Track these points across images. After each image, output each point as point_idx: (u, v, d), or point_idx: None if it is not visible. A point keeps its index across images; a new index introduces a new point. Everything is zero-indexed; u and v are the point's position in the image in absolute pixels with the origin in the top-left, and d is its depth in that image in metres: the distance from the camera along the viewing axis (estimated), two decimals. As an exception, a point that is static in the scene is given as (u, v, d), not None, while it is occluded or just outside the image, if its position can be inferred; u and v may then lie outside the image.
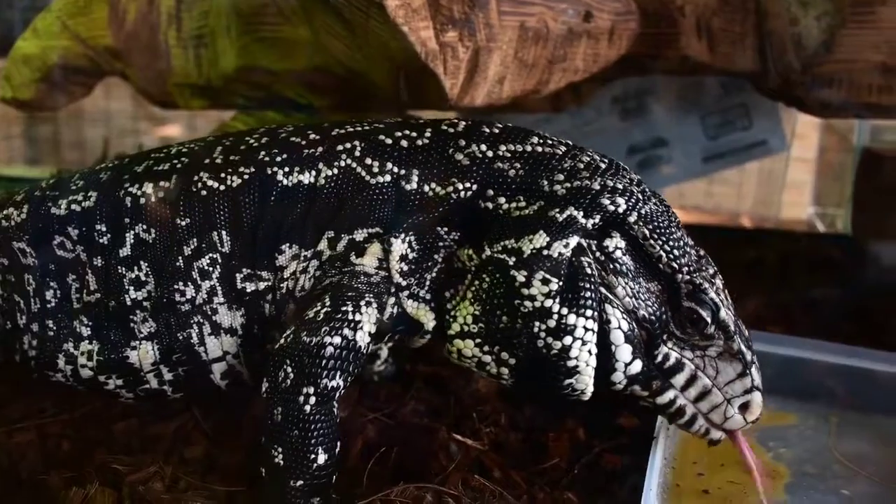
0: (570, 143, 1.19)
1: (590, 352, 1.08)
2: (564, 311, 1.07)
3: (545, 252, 1.07)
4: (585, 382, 1.10)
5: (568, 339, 1.07)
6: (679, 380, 1.12)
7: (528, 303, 1.07)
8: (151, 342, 1.18)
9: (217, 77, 1.75)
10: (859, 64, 1.71)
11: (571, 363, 1.08)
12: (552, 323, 1.07)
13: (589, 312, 1.07)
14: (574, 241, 1.08)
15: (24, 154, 2.93)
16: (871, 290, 1.85)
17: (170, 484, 1.18)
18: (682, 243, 1.12)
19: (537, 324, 1.07)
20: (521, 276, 1.07)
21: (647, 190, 1.15)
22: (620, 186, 1.12)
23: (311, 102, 1.72)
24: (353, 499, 1.14)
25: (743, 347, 1.13)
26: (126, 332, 1.19)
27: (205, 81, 1.77)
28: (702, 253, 1.16)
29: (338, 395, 1.08)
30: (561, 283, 1.07)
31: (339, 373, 1.07)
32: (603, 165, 1.15)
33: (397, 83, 1.52)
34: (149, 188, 1.20)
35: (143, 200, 1.20)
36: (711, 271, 1.15)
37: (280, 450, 1.08)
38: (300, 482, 1.08)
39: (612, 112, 2.12)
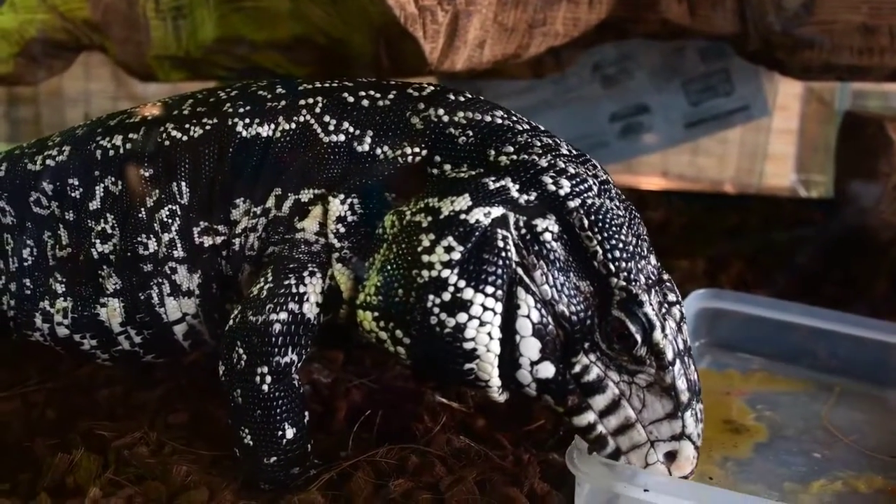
0: (542, 127, 1.14)
1: (489, 335, 1.00)
2: (462, 283, 0.99)
3: (462, 216, 1.00)
4: (488, 371, 1.01)
5: (462, 317, 0.99)
6: (598, 402, 1.02)
7: (425, 272, 1.00)
8: (118, 299, 1.18)
9: (196, 48, 1.74)
10: (839, 25, 1.71)
11: (468, 345, 1.00)
12: (446, 296, 0.99)
13: (490, 289, 0.99)
14: (498, 211, 1.01)
15: (3, 135, 2.91)
16: (853, 252, 1.86)
17: (155, 448, 1.18)
18: (630, 249, 1.02)
19: (431, 297, 1.00)
20: (426, 241, 1.01)
21: (613, 191, 1.07)
22: (572, 171, 1.04)
23: (290, 72, 1.71)
24: (339, 462, 1.14)
25: (679, 384, 1.01)
26: (95, 287, 1.19)
27: (184, 53, 1.75)
28: (667, 278, 1.08)
29: (294, 369, 1.08)
30: (464, 253, 0.99)
31: (290, 348, 1.06)
32: (566, 151, 1.09)
33: (377, 49, 1.52)
34: (118, 140, 1.20)
35: (112, 153, 1.20)
36: (672, 298, 1.06)
37: (247, 431, 1.08)
38: (273, 458, 1.09)
39: (593, 80, 2.11)
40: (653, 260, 1.06)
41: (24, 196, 1.23)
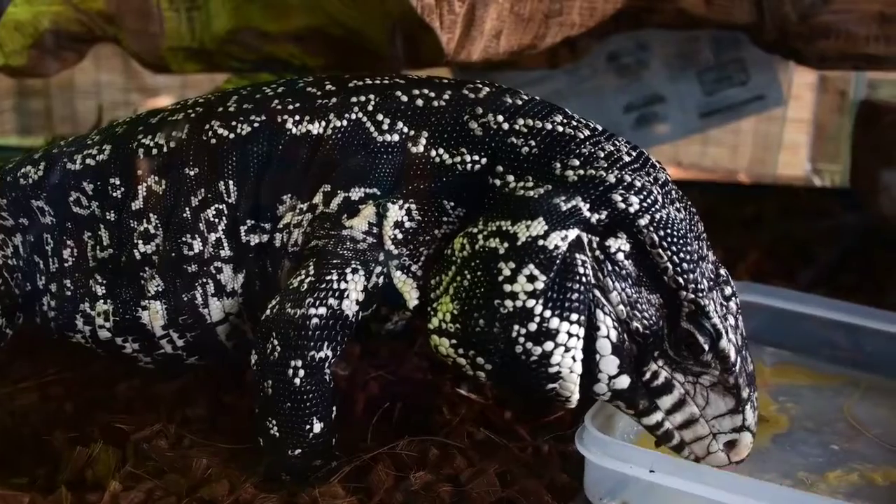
0: (602, 128, 1.12)
1: (574, 358, 1.01)
2: (547, 313, 0.99)
3: (540, 242, 0.99)
4: (570, 389, 1.03)
5: (549, 345, 1.00)
6: (665, 402, 1.05)
7: (508, 302, 1.00)
8: (160, 301, 1.17)
9: (210, 40, 1.74)
10: (856, 14, 1.70)
11: (553, 369, 1.01)
12: (532, 327, 0.99)
13: (574, 317, 0.99)
14: (573, 234, 1.00)
15: (15, 127, 2.91)
16: (870, 241, 1.85)
17: (174, 442, 1.18)
18: (695, 257, 1.03)
19: (517, 327, 1.00)
20: (507, 270, 1.00)
21: (672, 192, 1.07)
22: (639, 184, 1.03)
23: (304, 63, 1.71)
24: (359, 454, 1.14)
25: (741, 383, 1.05)
26: (137, 289, 1.18)
27: (198, 44, 1.75)
28: (723, 272, 1.08)
29: (327, 364, 1.07)
30: (548, 282, 0.99)
31: (326, 343, 1.06)
32: (627, 158, 1.06)
33: (393, 40, 1.51)
34: (161, 138, 1.19)
35: (154, 151, 1.19)
36: (728, 292, 1.07)
37: (274, 422, 1.08)
38: (298, 451, 1.09)
39: (607, 70, 2.10)
40: (711, 257, 1.08)
41: (63, 196, 1.22)
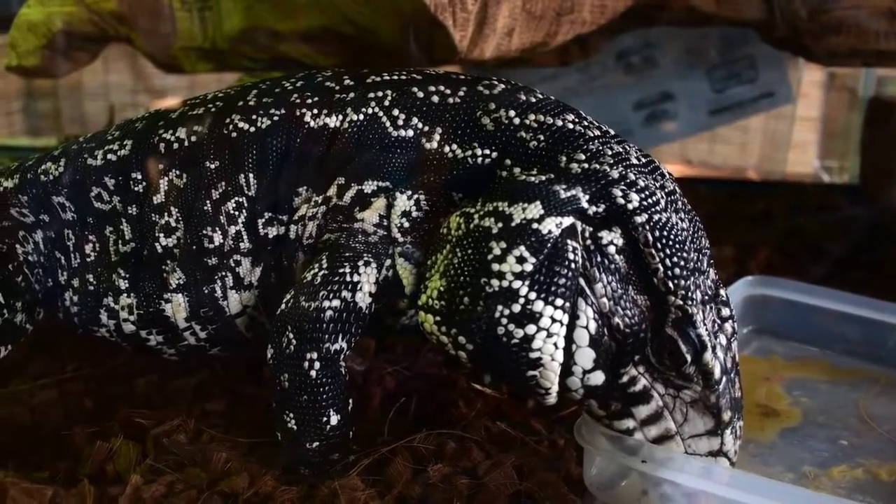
0: (614, 132, 1.12)
1: (556, 345, 0.99)
2: (532, 296, 0.98)
3: (535, 225, 0.98)
4: (551, 379, 1.01)
5: (531, 328, 0.98)
6: (641, 412, 1.02)
7: (494, 281, 0.98)
8: (182, 294, 1.18)
9: (222, 39, 1.74)
10: (866, 10, 1.71)
11: (534, 355, 0.99)
12: (516, 308, 0.98)
13: (559, 301, 0.98)
14: (568, 221, 0.99)
15: (24, 128, 2.92)
16: (879, 237, 1.86)
17: (193, 436, 1.19)
18: (690, 266, 1.01)
19: (500, 307, 0.98)
20: (497, 249, 0.99)
21: (679, 203, 1.06)
22: (642, 184, 1.02)
23: (317, 63, 1.71)
24: (377, 447, 1.14)
25: (722, 404, 1.02)
26: (159, 282, 1.19)
27: (210, 44, 1.76)
28: (724, 294, 1.07)
29: (342, 356, 1.08)
30: (536, 265, 0.98)
31: (341, 335, 1.07)
32: (635, 161, 1.06)
33: (406, 38, 1.52)
34: (182, 133, 1.20)
35: (175, 145, 1.20)
36: (726, 313, 1.05)
37: (292, 415, 1.09)
38: (316, 444, 1.09)
39: (617, 68, 2.11)
40: (712, 274, 1.06)
41: (84, 191, 1.23)
